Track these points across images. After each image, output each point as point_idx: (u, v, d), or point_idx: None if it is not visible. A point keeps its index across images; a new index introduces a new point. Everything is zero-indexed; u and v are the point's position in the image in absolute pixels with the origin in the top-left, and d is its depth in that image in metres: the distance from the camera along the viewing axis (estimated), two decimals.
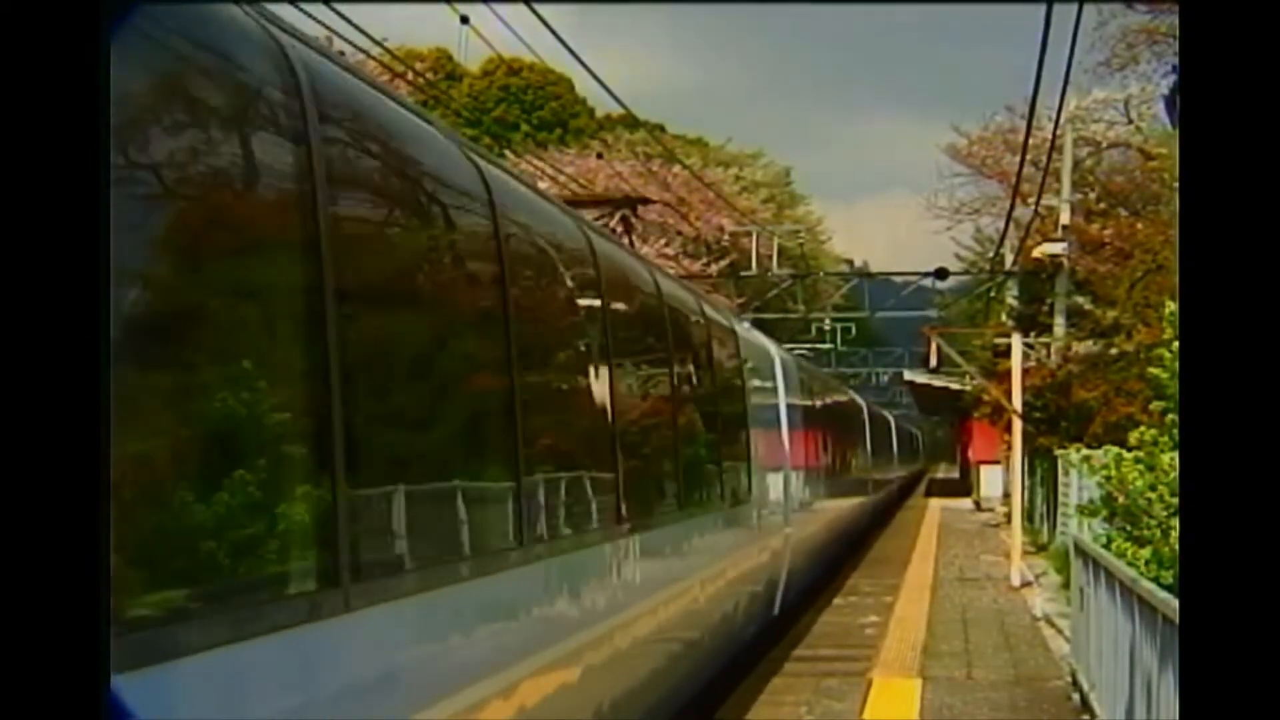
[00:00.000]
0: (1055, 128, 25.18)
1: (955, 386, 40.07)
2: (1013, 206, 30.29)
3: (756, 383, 15.72)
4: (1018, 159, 29.40)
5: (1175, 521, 10.54)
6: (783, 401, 17.73)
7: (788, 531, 16.51)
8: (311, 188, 4.28)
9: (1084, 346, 29.49)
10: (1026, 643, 16.54)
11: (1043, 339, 31.99)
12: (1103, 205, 36.59)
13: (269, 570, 4.03)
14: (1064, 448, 24.07)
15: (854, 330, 52.29)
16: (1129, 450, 12.07)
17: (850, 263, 72.59)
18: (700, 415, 11.92)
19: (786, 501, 16.78)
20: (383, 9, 34.01)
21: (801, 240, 52.98)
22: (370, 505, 4.68)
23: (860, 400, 38.72)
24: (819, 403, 24.47)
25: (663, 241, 43.64)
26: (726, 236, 45.70)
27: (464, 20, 19.11)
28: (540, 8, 13.59)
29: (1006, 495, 35.49)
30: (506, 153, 31.44)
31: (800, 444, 19.23)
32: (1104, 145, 36.98)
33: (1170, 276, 20.75)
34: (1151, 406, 12.14)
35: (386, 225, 5.35)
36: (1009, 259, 36.01)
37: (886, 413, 53.10)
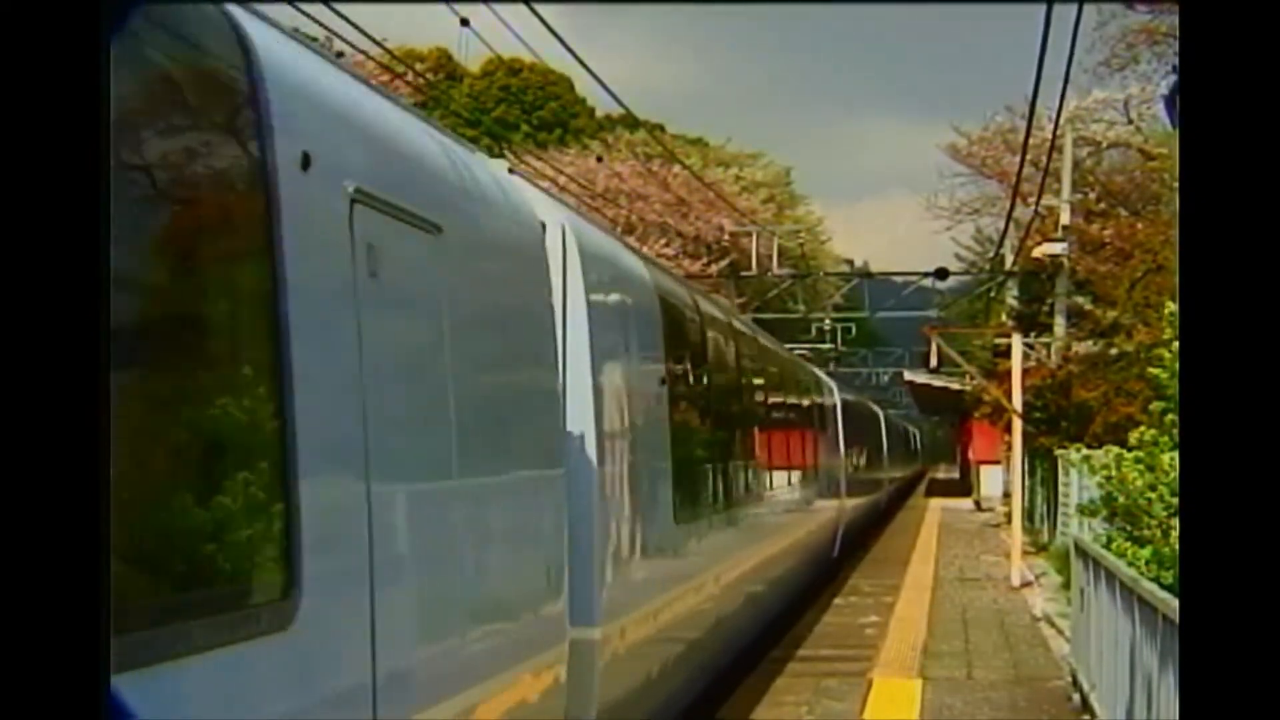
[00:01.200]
0: (1055, 128, 25.21)
1: (955, 386, 40.07)
2: (1013, 206, 30.35)
3: (432, 283, 5.78)
4: (1018, 159, 29.43)
5: (1175, 521, 10.53)
6: (583, 343, 8.30)
7: (590, 637, 7.83)
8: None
9: (1084, 346, 29.51)
10: (1027, 643, 16.54)
11: (1043, 339, 32.01)
12: (1103, 205, 36.61)
13: None
14: (1064, 448, 24.08)
15: (854, 330, 52.30)
16: (1129, 450, 12.06)
17: (850, 263, 72.58)
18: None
19: (583, 569, 7.71)
20: (383, 9, 34.02)
21: (802, 241, 52.99)
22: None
23: (827, 381, 28.60)
24: (725, 363, 14.46)
25: (663, 242, 43.66)
26: (726, 236, 45.72)
27: (464, 23, 19.11)
28: (540, 8, 13.61)
29: (1007, 495, 35.50)
30: (507, 153, 31.42)
31: (646, 438, 9.60)
32: (1104, 145, 37.00)
33: (1170, 276, 20.75)
34: (1151, 407, 12.13)
35: None
36: (1009, 259, 36.05)
37: (873, 405, 44.28)
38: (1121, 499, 11.78)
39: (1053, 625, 17.54)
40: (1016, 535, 24.35)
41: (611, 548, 8.40)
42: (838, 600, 20.82)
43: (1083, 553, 12.70)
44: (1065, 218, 31.63)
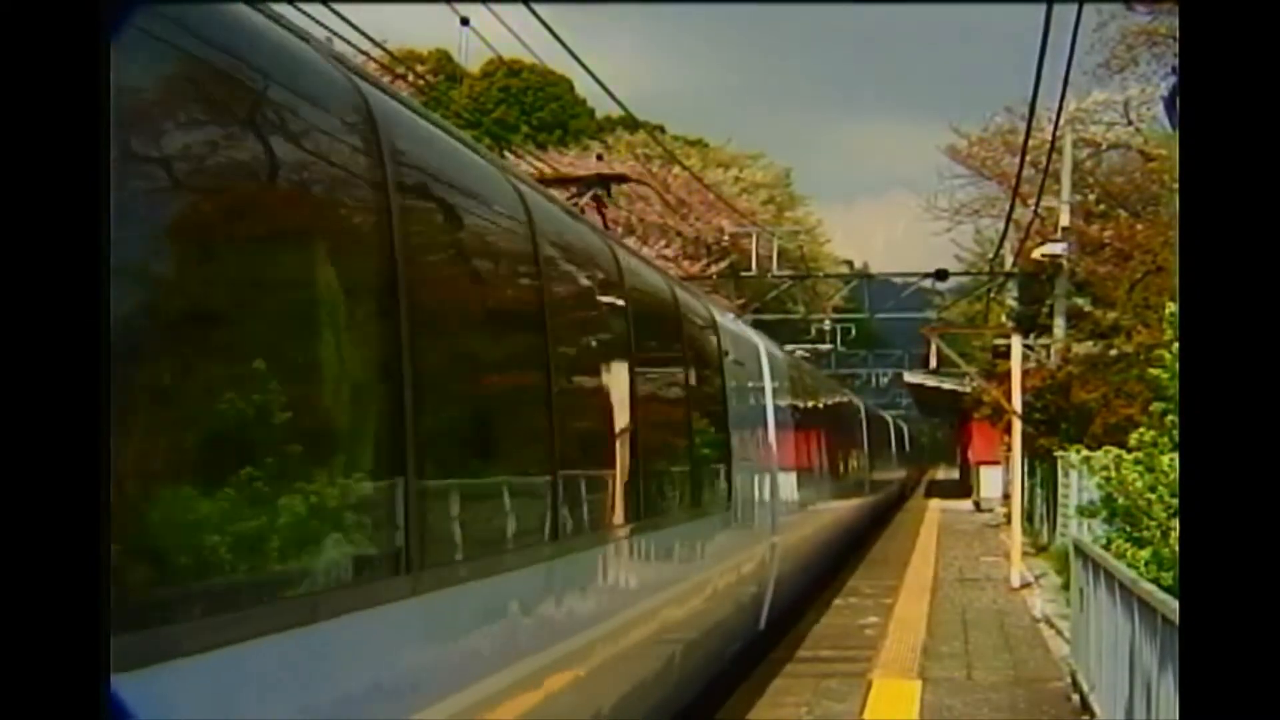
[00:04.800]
0: (1055, 129, 25.23)
1: (955, 388, 40.07)
2: (1012, 208, 30.35)
3: None
4: (1017, 160, 29.45)
5: (1175, 522, 10.53)
6: None
7: None
8: None
9: (1084, 348, 29.51)
10: (1026, 644, 16.53)
11: (1042, 340, 32.01)
12: (1102, 207, 36.63)
13: None
14: (1064, 449, 24.06)
15: (854, 331, 52.31)
16: (1129, 451, 12.06)
17: (850, 264, 72.58)
18: None
19: None
20: (383, 9, 34.05)
21: (801, 242, 53.01)
22: None
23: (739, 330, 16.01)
24: None
25: (663, 243, 43.67)
26: (726, 237, 45.73)
27: (464, 22, 19.13)
28: (540, 8, 13.61)
29: (1006, 496, 35.50)
30: (506, 154, 31.43)
31: None
32: (1104, 147, 37.01)
33: (1170, 278, 20.76)
34: (1151, 408, 12.13)
35: None
36: (1009, 260, 36.06)
37: (841, 392, 31.96)
38: (1121, 500, 11.78)
39: (1052, 626, 17.53)
40: (1016, 536, 24.34)
41: None
42: (837, 601, 20.82)
43: (1082, 554, 12.70)
44: (1065, 219, 31.64)
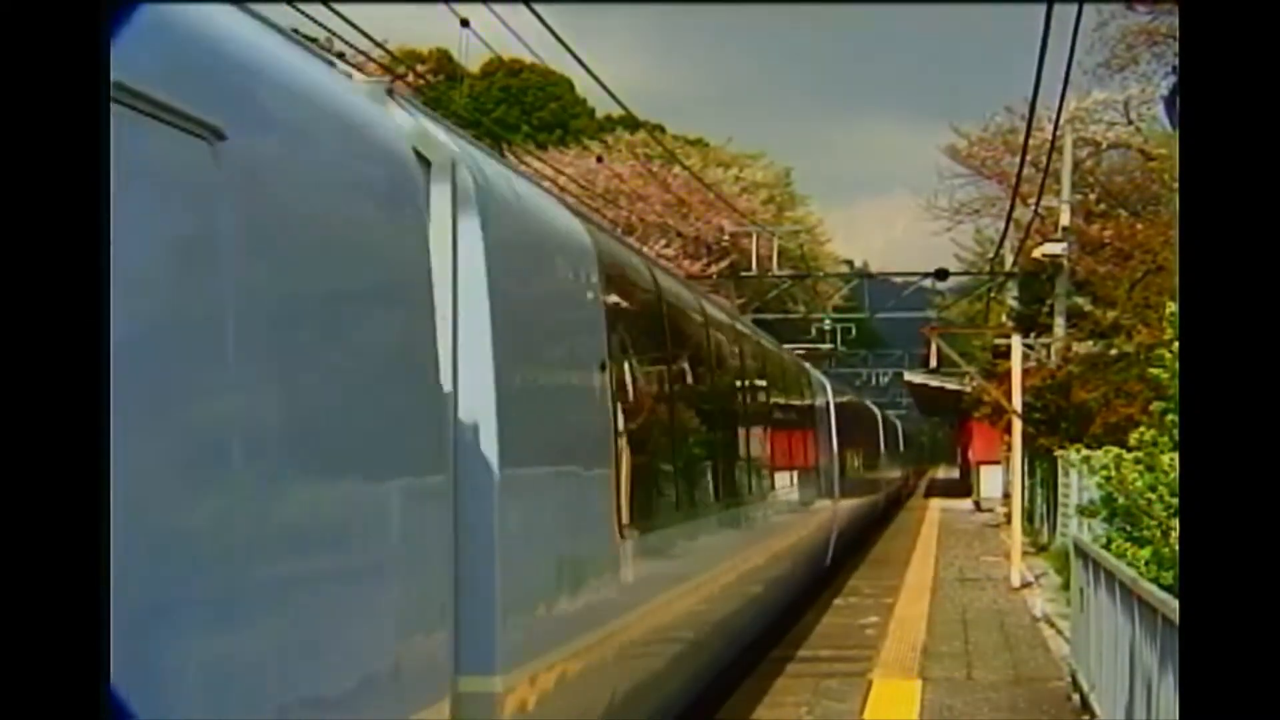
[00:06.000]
0: (1055, 128, 25.25)
1: (955, 387, 40.06)
2: (1012, 207, 30.38)
3: None
4: (1017, 160, 29.46)
5: (1175, 522, 10.54)
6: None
7: None
8: None
9: (1084, 347, 29.51)
10: (1026, 643, 16.53)
11: (1042, 340, 32.02)
12: (1102, 206, 36.66)
13: None
14: (1064, 448, 24.07)
15: (854, 331, 52.31)
16: (1129, 451, 12.06)
17: (850, 263, 72.57)
18: None
19: None
20: (383, 9, 34.05)
21: (802, 241, 53.02)
22: None
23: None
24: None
25: (663, 243, 43.67)
26: (726, 237, 45.74)
27: (464, 24, 19.14)
28: (540, 8, 13.62)
29: (1006, 496, 35.50)
30: (507, 155, 31.42)
31: None
32: (1104, 146, 37.04)
33: (1170, 277, 20.76)
34: (1151, 407, 12.13)
35: None
36: (1009, 260, 36.08)
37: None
38: (1121, 499, 11.78)
39: (1052, 626, 17.53)
40: (1016, 536, 24.34)
41: None
42: (838, 601, 20.83)
43: (1082, 553, 12.70)
44: (1065, 218, 31.66)
